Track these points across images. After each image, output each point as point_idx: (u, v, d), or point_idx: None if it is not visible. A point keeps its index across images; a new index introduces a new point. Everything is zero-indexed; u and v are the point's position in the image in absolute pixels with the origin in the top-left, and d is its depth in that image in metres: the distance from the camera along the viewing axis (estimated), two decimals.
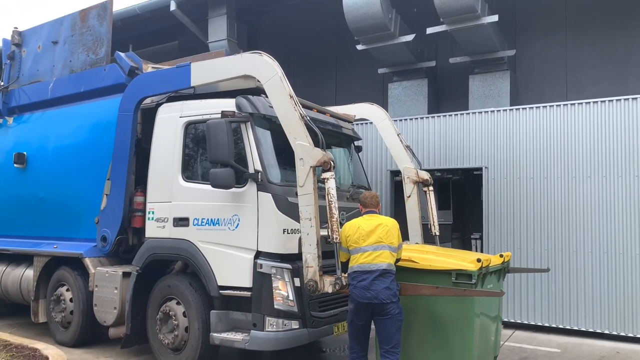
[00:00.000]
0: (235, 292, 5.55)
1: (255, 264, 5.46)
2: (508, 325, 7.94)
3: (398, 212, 8.23)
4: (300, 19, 12.20)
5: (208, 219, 5.82)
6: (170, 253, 6.10)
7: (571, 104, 7.88)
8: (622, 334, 7.32)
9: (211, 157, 5.45)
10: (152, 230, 6.26)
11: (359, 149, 7.69)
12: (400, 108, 10.46)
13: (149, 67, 6.95)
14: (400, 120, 9.18)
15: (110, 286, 6.41)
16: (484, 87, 9.74)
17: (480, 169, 8.46)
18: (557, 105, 7.96)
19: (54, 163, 7.52)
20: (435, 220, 7.29)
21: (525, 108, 8.20)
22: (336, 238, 5.00)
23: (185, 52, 10.53)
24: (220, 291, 5.60)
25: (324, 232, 5.12)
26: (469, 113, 8.67)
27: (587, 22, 9.67)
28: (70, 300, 6.98)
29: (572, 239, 7.70)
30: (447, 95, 10.73)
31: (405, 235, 7.21)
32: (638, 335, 7.23)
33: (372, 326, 5.04)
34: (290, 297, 5.40)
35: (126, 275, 6.32)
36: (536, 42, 10.09)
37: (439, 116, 8.93)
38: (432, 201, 7.36)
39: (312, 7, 11.61)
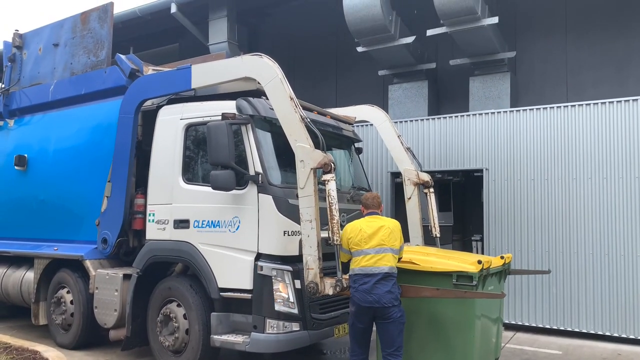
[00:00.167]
0: (235, 294, 5.54)
1: (255, 266, 5.45)
2: (509, 327, 7.92)
3: (398, 213, 8.23)
4: (301, 21, 12.21)
5: (208, 221, 5.82)
6: (170, 255, 6.10)
7: (571, 106, 7.88)
8: (624, 335, 7.31)
9: (212, 159, 5.45)
10: (152, 232, 6.26)
11: (359, 150, 7.69)
12: (401, 110, 10.47)
13: (149, 70, 6.96)
14: (401, 122, 9.19)
15: (110, 288, 6.41)
16: (484, 88, 9.74)
17: (480, 171, 8.45)
18: (557, 107, 7.96)
19: (55, 165, 7.52)
20: (435, 222, 7.29)
21: (526, 110, 8.20)
22: (337, 240, 4.99)
23: (186, 54, 10.57)
24: (221, 293, 5.60)
25: (324, 234, 5.11)
26: (469, 115, 8.68)
27: (587, 24, 9.67)
28: (71, 302, 6.98)
29: (572, 241, 7.69)
30: (448, 97, 10.73)
31: (405, 237, 7.20)
32: (639, 337, 7.22)
33: (374, 328, 5.03)
34: (291, 299, 5.40)
35: (127, 277, 6.32)
36: (536, 43, 10.09)
37: (440, 118, 8.93)
38: (432, 203, 7.36)
39: (313, 9, 11.62)
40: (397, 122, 8.91)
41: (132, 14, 11.76)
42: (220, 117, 5.57)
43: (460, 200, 10.27)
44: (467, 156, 8.56)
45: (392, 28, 9.67)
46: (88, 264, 6.68)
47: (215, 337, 5.57)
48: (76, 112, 7.49)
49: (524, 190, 8.06)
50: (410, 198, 7.36)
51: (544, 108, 8.06)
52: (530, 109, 8.16)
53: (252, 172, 5.59)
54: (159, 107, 6.51)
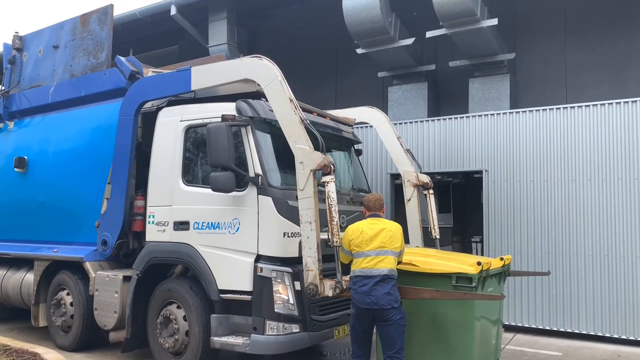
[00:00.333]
0: (235, 295, 5.55)
1: (255, 267, 5.46)
2: (509, 328, 7.92)
3: (398, 215, 8.24)
4: (301, 23, 12.23)
5: (208, 223, 5.82)
6: (170, 257, 6.10)
7: (571, 107, 7.89)
8: (623, 337, 7.31)
9: (211, 160, 5.46)
10: (152, 234, 6.27)
11: (359, 152, 7.70)
12: (400, 111, 10.48)
13: (149, 72, 6.97)
14: (400, 123, 9.20)
15: (110, 290, 6.40)
16: (483, 90, 9.76)
17: (480, 172, 8.46)
18: (557, 108, 7.97)
19: (55, 167, 7.53)
20: (435, 224, 7.29)
21: (525, 111, 8.21)
22: (336, 241, 5.00)
23: (186, 56, 10.57)
24: (221, 295, 5.60)
25: (324, 236, 5.12)
26: (468, 116, 8.69)
27: (587, 25, 9.69)
28: (71, 304, 6.97)
29: (572, 242, 7.70)
30: (447, 99, 10.74)
31: (405, 239, 7.20)
32: (639, 339, 7.22)
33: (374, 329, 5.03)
34: (291, 301, 5.40)
35: (126, 279, 6.32)
36: (536, 45, 10.10)
37: (439, 119, 8.94)
38: (432, 204, 7.36)
39: (312, 11, 11.64)
40: (396, 123, 8.92)
41: (131, 16, 11.78)
42: (220, 119, 5.58)
43: (460, 202, 10.27)
44: (466, 158, 8.57)
45: (392, 30, 9.69)
46: (88, 265, 6.68)
47: (215, 338, 5.57)
48: (76, 114, 7.50)
49: (524, 192, 8.07)
50: (409, 199, 7.36)
51: (543, 109, 8.06)
52: (529, 111, 8.17)
53: (251, 174, 5.59)
54: (159, 108, 6.52)
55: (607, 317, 7.41)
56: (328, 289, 5.02)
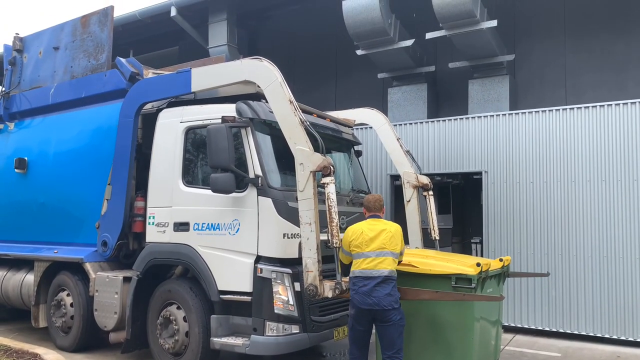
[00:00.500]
0: (235, 296, 5.56)
1: (255, 268, 5.47)
2: (508, 329, 7.93)
3: (398, 216, 8.25)
4: (300, 24, 12.25)
5: (208, 224, 5.83)
6: (170, 258, 6.11)
7: (570, 109, 7.90)
8: (623, 338, 7.32)
9: (212, 162, 5.47)
10: (152, 235, 6.28)
11: (358, 153, 7.71)
12: (400, 113, 10.49)
13: (149, 73, 6.99)
14: (400, 124, 9.21)
15: (110, 291, 6.42)
16: (483, 91, 9.77)
17: (480, 174, 8.48)
18: (556, 110, 7.99)
19: (55, 168, 7.54)
20: (435, 225, 7.30)
21: (525, 112, 8.23)
22: (336, 242, 5.01)
23: (186, 57, 10.57)
24: (221, 296, 5.61)
25: (324, 237, 5.13)
26: (468, 117, 8.70)
27: (586, 27, 9.70)
28: (71, 305, 6.98)
29: (571, 243, 7.71)
30: (447, 100, 10.75)
31: (405, 240, 7.22)
32: (638, 339, 7.23)
33: (373, 330, 5.04)
34: (291, 302, 5.42)
35: (127, 280, 6.33)
36: (535, 46, 10.12)
37: (439, 121, 8.96)
38: (432, 205, 7.38)
39: (312, 13, 11.66)
40: (396, 124, 8.94)
41: (132, 17, 11.78)
42: (220, 120, 5.59)
43: (460, 203, 10.29)
44: (466, 159, 8.58)
45: (392, 31, 9.71)
46: (88, 266, 6.69)
47: (215, 339, 5.58)
48: (76, 115, 7.51)
49: (523, 193, 8.08)
50: (409, 201, 7.37)
51: (542, 111, 8.08)
52: (529, 112, 8.18)
53: (251, 175, 5.61)
54: (159, 110, 6.53)
55: (607, 318, 7.42)
56: (328, 290, 5.03)
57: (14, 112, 8.43)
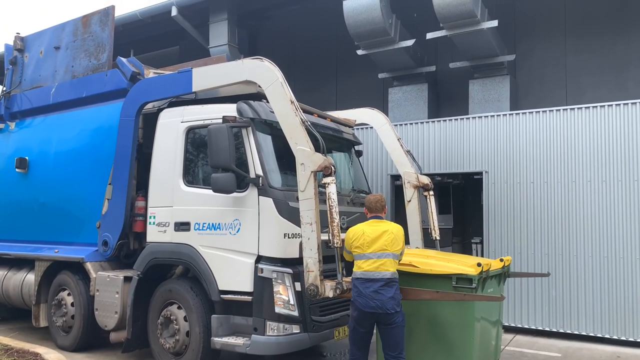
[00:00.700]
0: (236, 296, 5.56)
1: (256, 268, 5.48)
2: (509, 329, 7.94)
3: (399, 216, 8.26)
4: (301, 24, 12.26)
5: (209, 224, 5.84)
6: (171, 257, 6.12)
7: (571, 109, 7.90)
8: (623, 338, 7.32)
9: (212, 162, 5.48)
10: (153, 234, 6.28)
11: (359, 153, 7.72)
12: (401, 113, 10.50)
13: (150, 73, 6.99)
14: (401, 124, 9.22)
15: (111, 290, 6.42)
16: (483, 91, 9.77)
17: (480, 174, 8.48)
18: (557, 110, 7.99)
19: (56, 168, 7.54)
20: (435, 225, 7.30)
21: (525, 113, 8.23)
22: (337, 242, 5.00)
23: (186, 57, 10.57)
24: (222, 295, 5.62)
25: (324, 237, 5.13)
26: (469, 118, 8.71)
27: (587, 28, 9.71)
28: (72, 304, 6.99)
29: (572, 244, 7.71)
30: (447, 100, 10.76)
31: (405, 240, 7.22)
32: (638, 340, 7.24)
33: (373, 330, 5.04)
34: (291, 302, 5.42)
35: (127, 279, 6.34)
36: (536, 47, 10.13)
37: (439, 121, 8.96)
38: (432, 205, 7.38)
39: (313, 12, 11.66)
40: (397, 124, 8.94)
41: (132, 17, 11.79)
42: (221, 120, 5.60)
43: (460, 203, 10.29)
44: (466, 159, 8.59)
45: (392, 31, 9.71)
46: (89, 266, 6.70)
47: (216, 339, 5.59)
48: (77, 114, 7.51)
49: (524, 193, 8.09)
50: (410, 201, 7.38)
51: (543, 111, 8.08)
52: (529, 112, 8.19)
53: (252, 175, 5.61)
54: (160, 110, 6.54)
55: (607, 318, 7.43)
56: (329, 289, 5.03)
57: (14, 112, 8.43)
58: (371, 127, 8.24)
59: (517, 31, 10.26)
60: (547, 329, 7.82)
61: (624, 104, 7.56)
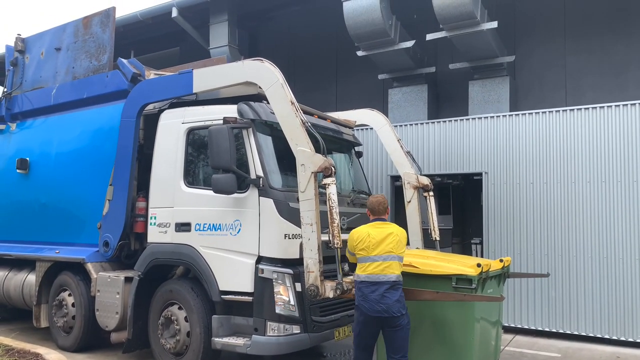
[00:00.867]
0: (236, 297, 5.58)
1: (256, 269, 5.49)
2: (508, 330, 7.96)
3: (398, 217, 8.27)
4: (301, 25, 12.27)
5: (210, 224, 5.85)
6: (172, 258, 6.14)
7: (570, 110, 7.92)
8: (623, 338, 7.34)
9: (213, 162, 5.50)
10: (154, 235, 6.30)
11: (359, 154, 7.73)
12: (401, 113, 10.52)
13: (151, 74, 7.00)
14: (401, 125, 9.23)
15: (112, 291, 6.44)
16: (483, 92, 9.79)
17: (480, 174, 8.50)
18: (556, 111, 8.01)
19: (57, 169, 7.56)
20: (435, 225, 7.32)
21: (525, 114, 8.25)
22: (337, 243, 5.00)
23: (187, 58, 10.60)
24: (222, 296, 5.63)
25: (325, 237, 5.13)
26: (468, 119, 8.73)
27: (587, 29, 9.73)
28: (72, 305, 7.01)
29: (572, 244, 7.73)
30: (447, 101, 10.78)
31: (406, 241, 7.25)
32: (638, 340, 7.25)
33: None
34: (292, 302, 5.43)
35: (128, 280, 6.35)
36: (536, 48, 10.14)
37: (439, 122, 8.98)
38: (432, 206, 7.39)
39: (313, 13, 11.68)
40: (397, 125, 8.96)
41: (133, 18, 11.80)
42: (221, 121, 5.62)
43: (460, 204, 10.30)
44: (466, 160, 8.60)
45: (392, 32, 9.73)
46: (90, 266, 6.71)
47: (217, 339, 5.60)
48: (78, 115, 7.53)
49: (523, 194, 8.10)
50: (410, 201, 7.39)
51: (543, 112, 8.10)
52: (529, 113, 8.21)
53: (253, 176, 5.63)
54: (161, 111, 6.55)
55: (607, 318, 7.44)
56: (329, 290, 5.04)
57: (15, 113, 8.46)
58: (371, 128, 8.26)
59: (516, 32, 10.27)
60: (547, 329, 7.83)
61: (624, 105, 7.58)
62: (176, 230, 6.08)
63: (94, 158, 7.11)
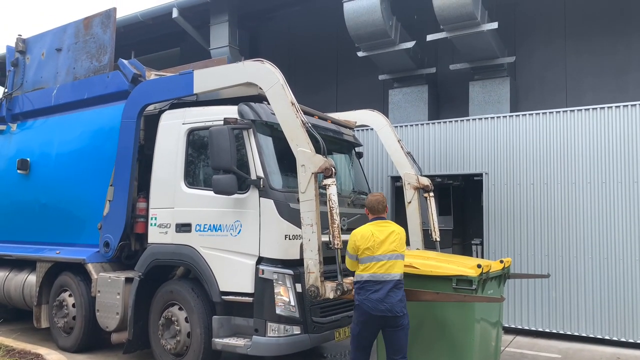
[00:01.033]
0: (237, 297, 5.58)
1: (257, 269, 5.50)
2: (509, 330, 7.95)
3: (399, 217, 8.27)
4: (301, 26, 12.28)
5: (210, 225, 5.86)
6: (172, 259, 6.14)
7: (571, 111, 7.93)
8: (623, 339, 7.33)
9: (213, 163, 5.50)
10: (154, 236, 6.31)
11: (360, 155, 7.73)
12: (401, 114, 10.52)
13: (152, 74, 7.01)
14: (401, 126, 9.23)
15: (112, 292, 6.44)
16: (484, 93, 9.80)
17: (480, 175, 8.50)
18: (557, 112, 8.01)
19: (57, 169, 7.57)
20: (435, 226, 7.32)
21: (525, 114, 8.25)
22: (337, 244, 5.00)
23: (187, 58, 10.60)
24: (222, 297, 5.64)
25: (325, 238, 5.13)
26: (469, 119, 8.73)
27: (587, 30, 9.73)
28: (73, 305, 7.01)
29: (572, 245, 7.73)
30: (448, 102, 10.78)
31: (406, 241, 7.24)
32: (638, 341, 7.25)
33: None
34: (292, 303, 5.44)
35: (129, 280, 6.36)
36: (536, 48, 10.15)
37: (439, 122, 8.98)
38: (432, 207, 7.40)
39: (313, 14, 11.69)
40: (397, 126, 8.96)
41: (133, 19, 11.81)
42: (222, 122, 5.62)
43: (460, 204, 10.30)
44: (467, 160, 8.60)
45: (393, 33, 9.73)
46: (90, 267, 6.72)
47: (217, 340, 5.60)
48: (79, 116, 7.54)
49: (524, 195, 8.10)
50: (410, 202, 7.40)
51: (543, 113, 8.10)
52: (529, 114, 8.21)
53: (253, 177, 5.64)
54: (161, 111, 6.56)
55: (607, 319, 7.44)
56: (329, 291, 5.04)
57: (16, 113, 8.47)
58: (371, 129, 8.26)
59: (517, 33, 10.28)
60: (547, 330, 7.83)
61: (624, 105, 7.58)
62: (177, 231, 6.08)
63: (94, 159, 7.12)
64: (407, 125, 9.25)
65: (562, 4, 9.93)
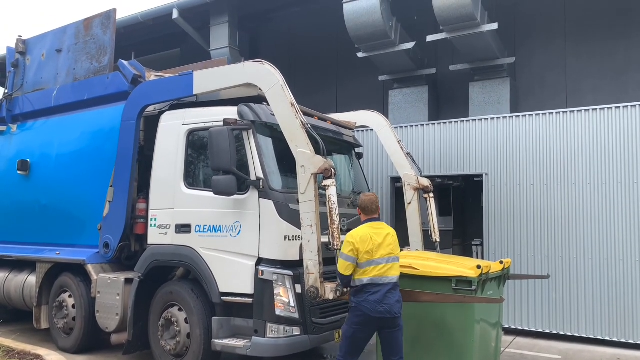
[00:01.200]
0: (236, 298, 5.58)
1: (256, 270, 5.50)
2: (509, 331, 7.95)
3: (399, 218, 8.27)
4: (301, 27, 12.29)
5: (210, 226, 5.86)
6: (172, 259, 6.14)
7: (570, 112, 7.93)
8: (623, 340, 7.33)
9: (213, 164, 5.51)
10: (154, 236, 6.31)
11: (359, 155, 7.74)
12: (401, 115, 10.52)
13: (152, 75, 7.02)
14: (401, 127, 9.23)
15: (112, 292, 6.44)
16: (484, 94, 9.80)
17: (480, 176, 8.50)
18: (556, 113, 8.01)
19: (57, 170, 7.57)
20: (435, 227, 7.32)
21: (525, 115, 8.25)
22: (337, 245, 5.00)
23: (187, 59, 10.62)
24: (222, 297, 5.64)
25: (325, 239, 5.14)
26: (469, 120, 8.73)
27: (587, 30, 9.74)
28: (73, 306, 7.01)
29: (572, 246, 7.72)
30: (448, 103, 10.79)
31: (406, 242, 7.25)
32: (639, 342, 7.24)
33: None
34: (292, 304, 5.44)
35: (128, 281, 6.36)
36: (536, 49, 10.15)
37: (439, 123, 8.98)
38: (432, 208, 7.40)
39: (313, 15, 11.70)
40: (397, 127, 8.97)
41: (134, 20, 11.83)
42: (222, 123, 5.63)
43: (460, 205, 10.31)
44: (467, 161, 8.60)
45: (393, 34, 9.74)
46: (90, 268, 6.72)
47: (217, 341, 5.60)
48: (79, 117, 7.55)
49: (524, 195, 8.10)
50: (410, 203, 7.40)
51: (543, 114, 8.10)
52: (529, 115, 8.21)
53: (253, 178, 5.64)
54: (161, 112, 6.56)
55: (607, 320, 7.44)
56: (329, 292, 5.04)
57: (16, 114, 8.47)
58: (371, 130, 8.26)
59: (517, 34, 10.28)
60: (548, 331, 7.83)
61: (624, 106, 7.58)
62: (176, 232, 6.08)
63: (94, 159, 7.12)
64: (407, 126, 9.25)
65: (562, 5, 9.94)
